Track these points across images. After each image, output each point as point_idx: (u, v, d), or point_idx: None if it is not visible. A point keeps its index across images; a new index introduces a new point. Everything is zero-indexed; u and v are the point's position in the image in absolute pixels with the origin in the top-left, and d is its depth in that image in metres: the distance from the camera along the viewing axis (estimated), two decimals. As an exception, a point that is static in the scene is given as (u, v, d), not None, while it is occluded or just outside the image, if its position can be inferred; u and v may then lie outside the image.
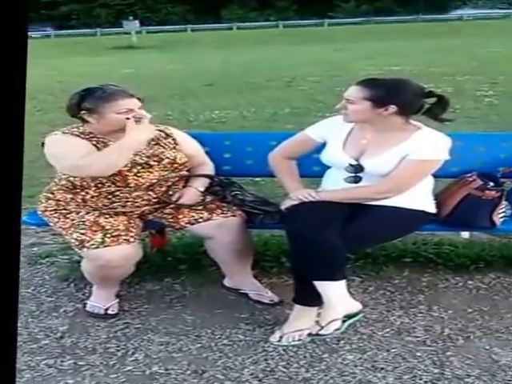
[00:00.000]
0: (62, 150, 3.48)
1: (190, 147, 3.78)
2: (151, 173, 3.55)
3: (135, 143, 3.42)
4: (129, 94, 3.54)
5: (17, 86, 1.24)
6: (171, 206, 3.63)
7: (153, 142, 3.63)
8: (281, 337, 3.24)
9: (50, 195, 3.63)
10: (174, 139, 3.72)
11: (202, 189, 3.67)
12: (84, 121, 3.55)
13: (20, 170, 1.28)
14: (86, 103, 3.49)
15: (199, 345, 3.28)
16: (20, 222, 1.27)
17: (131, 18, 39.29)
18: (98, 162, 3.40)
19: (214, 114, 10.25)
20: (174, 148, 3.68)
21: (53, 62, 22.80)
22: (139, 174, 3.51)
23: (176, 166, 3.64)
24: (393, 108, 3.24)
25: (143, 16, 48.75)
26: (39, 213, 3.70)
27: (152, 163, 3.55)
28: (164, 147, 3.65)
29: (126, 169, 3.48)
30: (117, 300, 3.67)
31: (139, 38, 34.19)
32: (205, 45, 30.58)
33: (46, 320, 3.61)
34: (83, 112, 3.50)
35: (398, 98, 3.25)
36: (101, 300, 3.64)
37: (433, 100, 3.38)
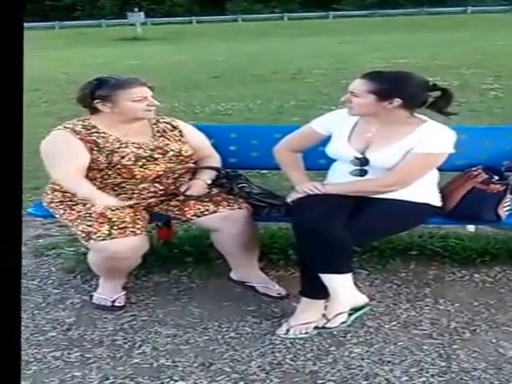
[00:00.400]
0: (55, 158, 3.50)
1: (196, 140, 3.78)
2: (157, 165, 3.55)
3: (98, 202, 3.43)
4: (141, 82, 3.57)
5: (14, 79, 1.24)
6: (177, 198, 3.63)
7: (158, 134, 3.65)
8: (288, 330, 3.24)
9: (56, 187, 3.63)
10: (180, 131, 3.72)
11: (210, 181, 3.67)
12: (95, 111, 3.56)
13: (19, 162, 1.28)
14: (100, 91, 3.50)
15: (206, 337, 3.28)
16: (21, 215, 1.28)
17: (136, 9, 39.13)
18: (72, 190, 3.50)
19: (220, 106, 10.24)
20: (180, 140, 3.69)
21: (58, 53, 22.79)
22: (145, 167, 3.52)
23: (182, 158, 3.64)
24: (397, 101, 3.24)
25: (148, 7, 48.60)
26: (45, 204, 3.71)
27: (156, 156, 3.56)
28: (169, 140, 3.65)
29: (130, 163, 3.49)
30: (124, 292, 3.67)
31: (144, 30, 34.14)
32: (210, 37, 30.52)
33: (53, 312, 3.62)
34: (97, 101, 3.51)
35: (402, 91, 3.25)
36: (108, 292, 3.65)
37: (437, 93, 3.38)
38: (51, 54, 21.67)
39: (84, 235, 3.41)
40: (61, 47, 25.92)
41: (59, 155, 3.49)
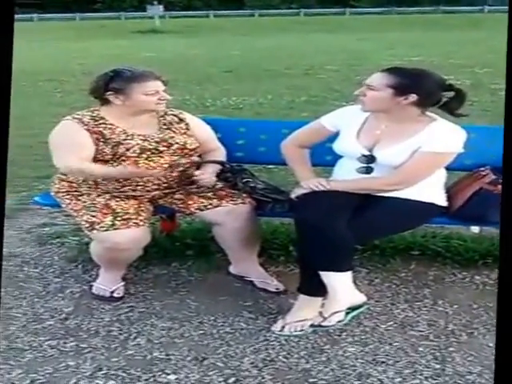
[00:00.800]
0: (60, 148, 3.53)
1: (202, 133, 3.78)
2: (162, 158, 3.55)
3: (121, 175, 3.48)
4: (156, 75, 3.58)
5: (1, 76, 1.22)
6: (181, 191, 3.63)
7: (164, 127, 3.65)
8: (283, 326, 3.22)
9: (64, 177, 3.65)
10: (186, 124, 3.72)
11: (213, 175, 3.66)
12: (105, 103, 3.57)
13: (4, 156, 1.27)
14: (113, 84, 3.51)
15: (201, 331, 3.27)
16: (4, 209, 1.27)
17: (155, 2, 39.14)
18: (83, 174, 3.52)
19: (232, 100, 10.24)
20: (185, 133, 3.68)
21: (76, 44, 22.86)
22: (150, 159, 3.53)
23: (186, 151, 3.63)
24: (413, 97, 3.21)
25: (167, 1, 48.63)
26: (52, 194, 3.73)
27: (161, 148, 3.56)
28: (175, 132, 3.65)
29: (134, 155, 3.50)
30: (123, 283, 3.67)
31: (162, 23, 34.14)
32: (226, 31, 30.51)
33: (52, 301, 3.62)
34: (109, 93, 3.51)
35: (420, 87, 3.23)
36: (107, 283, 3.65)
37: (451, 94, 3.34)
38: (70, 46, 21.77)
39: (88, 225, 3.42)
40: (80, 39, 25.99)
41: (64, 146, 3.51)
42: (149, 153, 3.53)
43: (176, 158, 3.59)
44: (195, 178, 3.58)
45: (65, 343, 3.19)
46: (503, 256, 1.05)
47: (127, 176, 3.50)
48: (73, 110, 3.77)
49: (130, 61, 13.55)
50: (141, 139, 3.54)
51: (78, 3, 50.59)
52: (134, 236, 3.38)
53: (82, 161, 3.45)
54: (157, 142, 3.56)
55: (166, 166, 3.55)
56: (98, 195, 3.53)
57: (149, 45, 22.72)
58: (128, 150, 3.50)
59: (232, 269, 3.78)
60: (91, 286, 3.70)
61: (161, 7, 37.56)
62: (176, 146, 3.60)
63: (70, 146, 3.49)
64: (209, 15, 46.06)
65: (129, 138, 3.53)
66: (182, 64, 15.50)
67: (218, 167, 3.68)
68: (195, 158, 3.71)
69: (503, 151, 1.00)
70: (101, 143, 3.49)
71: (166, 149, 3.57)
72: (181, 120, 3.73)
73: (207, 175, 3.59)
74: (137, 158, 3.50)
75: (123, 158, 3.49)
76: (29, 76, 13.30)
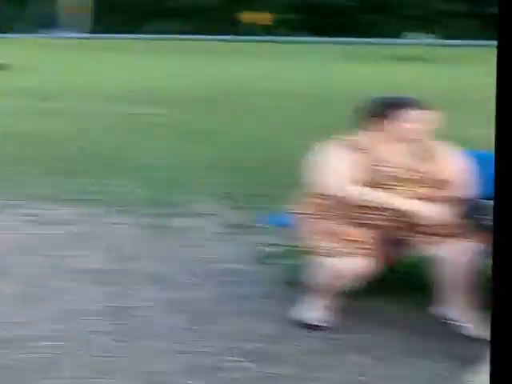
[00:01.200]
0: (326, 168, 3.46)
1: (455, 165, 3.55)
2: (408, 188, 3.42)
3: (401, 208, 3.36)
4: (421, 104, 3.47)
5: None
6: (414, 225, 3.42)
7: (418, 156, 3.51)
8: (475, 377, 2.91)
9: (309, 199, 3.60)
10: (440, 155, 3.54)
11: (455, 212, 3.38)
12: (365, 128, 3.51)
13: None
14: (379, 110, 3.47)
15: (390, 371, 3.08)
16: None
17: (420, 31, 38.99)
18: (354, 194, 3.40)
19: (482, 131, 9.79)
20: (438, 164, 3.51)
21: (335, 66, 23.34)
22: (396, 187, 3.41)
23: (436, 183, 3.47)
24: None
25: (431, 30, 48.20)
26: (292, 212, 3.70)
27: (409, 177, 3.43)
28: (427, 162, 3.50)
29: (383, 182, 3.40)
30: (328, 312, 3.53)
31: (426, 51, 33.71)
32: (486, 61, 29.56)
33: (251, 322, 3.58)
34: (374, 119, 3.47)
35: None
36: (312, 310, 3.56)
37: None
38: (330, 67, 22.28)
39: (313, 248, 3.42)
40: (338, 62, 26.50)
41: (333, 167, 3.45)
42: (397, 182, 3.41)
43: (421, 190, 3.44)
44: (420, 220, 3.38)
45: (256, 366, 3.12)
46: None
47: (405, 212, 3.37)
48: (318, 133, 3.77)
49: (386, 88, 13.53)
50: (396, 167, 3.43)
51: (349, 28, 51.61)
52: (358, 266, 3.31)
53: (353, 185, 3.40)
54: (410, 172, 3.44)
55: (411, 196, 3.39)
56: (331, 220, 3.46)
57: (407, 72, 22.56)
58: (383, 177, 3.40)
59: (436, 309, 3.54)
60: (295, 310, 3.61)
61: (425, 36, 37.28)
62: (427, 176, 3.45)
63: (339, 167, 3.43)
64: (474, 45, 45.05)
65: (381, 165, 3.43)
66: (441, 94, 15.16)
67: (463, 204, 3.40)
68: (440, 192, 3.48)
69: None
70: (359, 169, 3.43)
71: (414, 179, 3.44)
72: (435, 150, 3.55)
73: (433, 215, 3.35)
74: (384, 186, 3.39)
75: (377, 186, 3.39)
76: (283, 96, 13.71)
